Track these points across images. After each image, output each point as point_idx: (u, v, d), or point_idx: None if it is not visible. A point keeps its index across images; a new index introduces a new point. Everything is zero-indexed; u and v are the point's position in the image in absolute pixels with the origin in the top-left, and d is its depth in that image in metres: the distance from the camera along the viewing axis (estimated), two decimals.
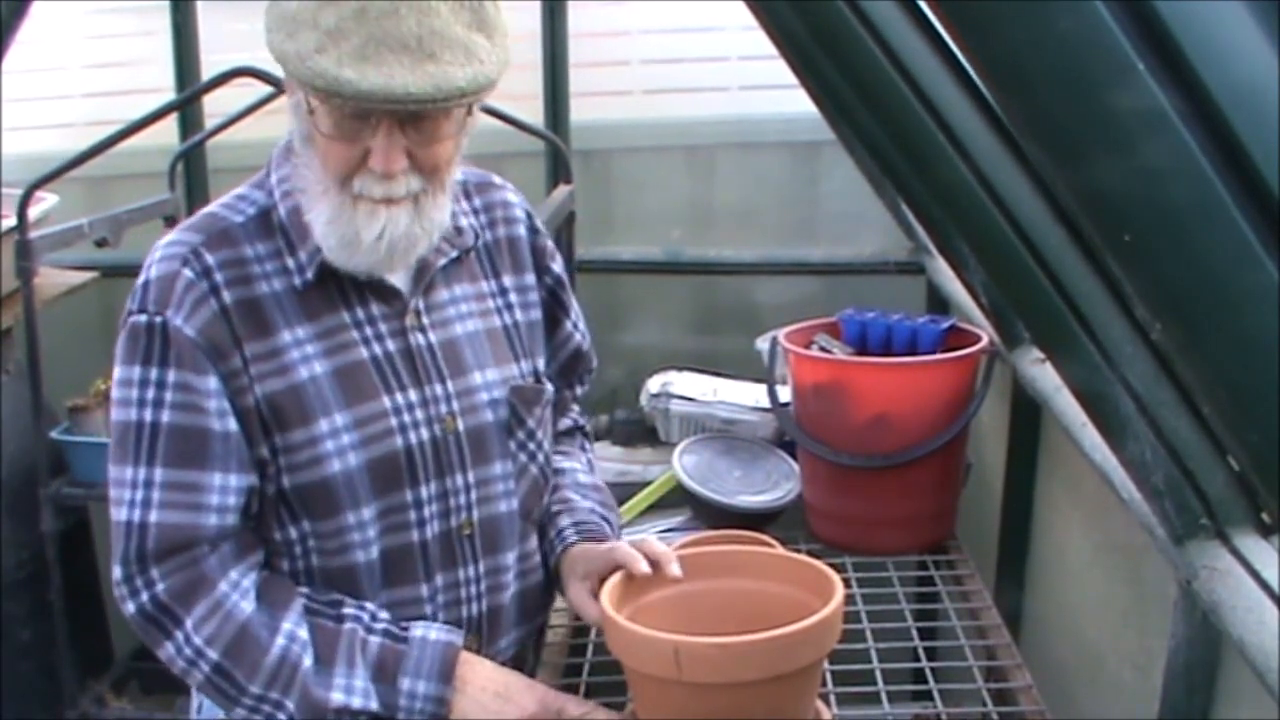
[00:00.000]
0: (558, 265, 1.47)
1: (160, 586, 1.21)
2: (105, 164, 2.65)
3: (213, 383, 1.21)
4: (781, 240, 3.14)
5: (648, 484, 2.23)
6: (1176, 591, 1.26)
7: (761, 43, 2.04)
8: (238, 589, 1.22)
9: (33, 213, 2.50)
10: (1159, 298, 0.68)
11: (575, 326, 1.50)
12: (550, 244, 1.47)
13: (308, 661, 1.21)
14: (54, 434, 2.63)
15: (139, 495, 1.21)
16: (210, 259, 1.23)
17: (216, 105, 3.01)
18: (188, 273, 1.22)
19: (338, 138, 1.16)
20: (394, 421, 1.27)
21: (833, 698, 1.46)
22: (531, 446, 1.38)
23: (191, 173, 3.17)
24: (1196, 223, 0.61)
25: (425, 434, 1.28)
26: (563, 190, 2.86)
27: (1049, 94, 0.61)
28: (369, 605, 1.27)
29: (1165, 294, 0.67)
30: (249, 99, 2.79)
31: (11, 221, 2.48)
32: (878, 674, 1.56)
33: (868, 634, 1.64)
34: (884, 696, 1.51)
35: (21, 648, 2.71)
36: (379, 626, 1.25)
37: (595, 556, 1.34)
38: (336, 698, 1.20)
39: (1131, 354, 1.04)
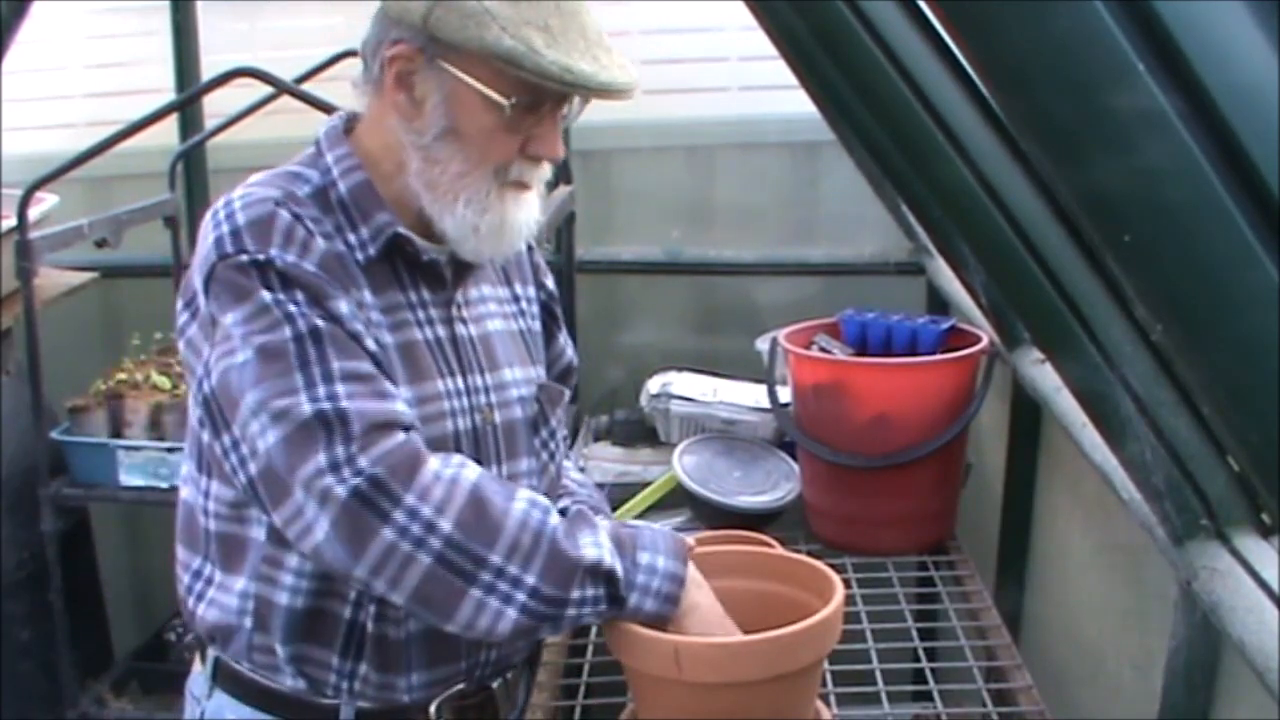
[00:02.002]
0: (551, 282, 1.52)
1: (376, 465, 1.11)
2: (105, 164, 2.66)
3: (345, 306, 1.18)
4: (781, 240, 3.14)
5: (648, 484, 2.23)
6: (1176, 591, 1.26)
7: (761, 43, 2.04)
8: (452, 464, 1.16)
9: (33, 213, 2.50)
10: (1159, 298, 0.68)
11: (567, 342, 1.55)
12: (542, 262, 1.52)
13: (554, 521, 1.17)
14: (54, 434, 2.62)
15: (324, 391, 1.13)
16: (298, 209, 1.21)
17: (216, 105, 3.02)
18: (284, 214, 1.19)
19: (506, 129, 1.21)
20: (445, 405, 1.28)
21: (833, 698, 1.46)
22: (552, 446, 1.41)
23: (191, 173, 3.17)
24: (1196, 223, 0.61)
25: (467, 422, 1.30)
26: (563, 190, 2.86)
27: (1049, 94, 0.61)
28: None
29: (1165, 294, 0.67)
30: (249, 99, 2.80)
31: (11, 222, 2.48)
32: (878, 674, 1.56)
33: (868, 634, 1.64)
34: (884, 696, 1.51)
35: (21, 648, 2.71)
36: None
37: None
38: (590, 552, 1.16)
39: (1131, 354, 1.04)
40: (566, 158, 2.94)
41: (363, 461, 1.11)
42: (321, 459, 1.11)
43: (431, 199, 1.24)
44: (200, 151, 3.15)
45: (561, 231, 2.91)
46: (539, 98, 1.20)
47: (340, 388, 1.13)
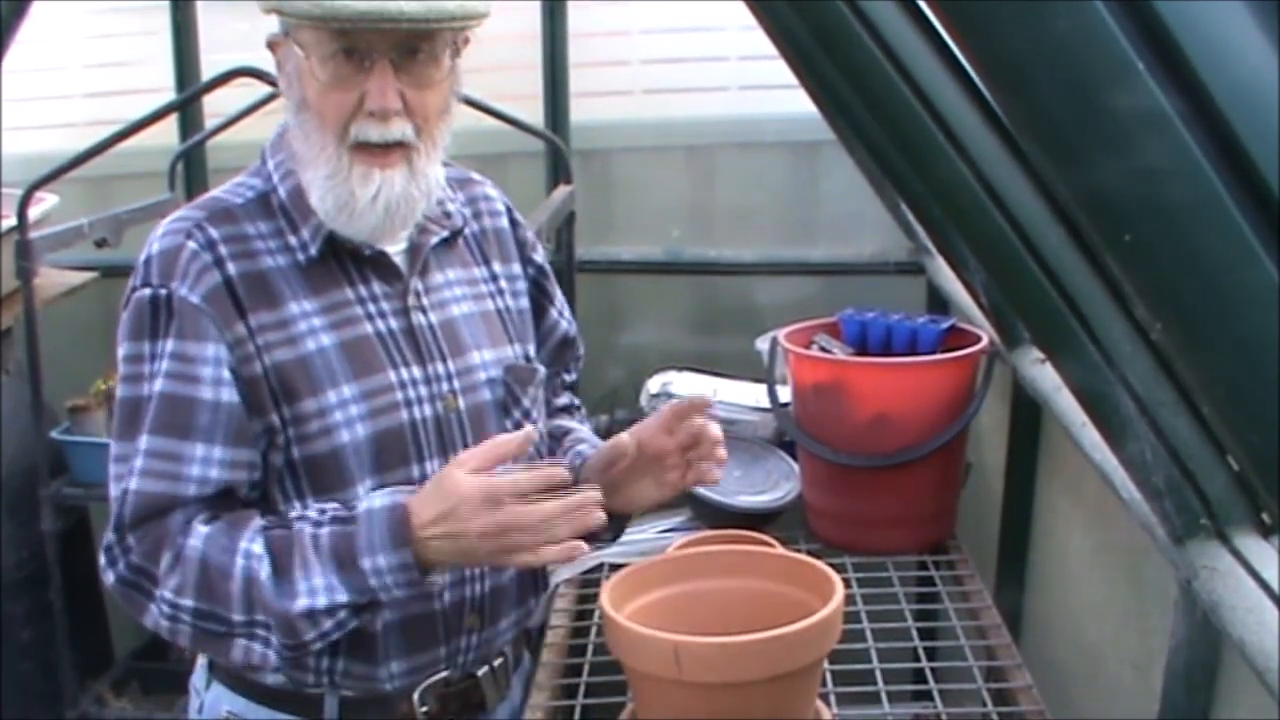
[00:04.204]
0: (540, 256, 1.51)
1: (134, 553, 1.22)
2: (105, 164, 2.66)
3: (211, 350, 1.22)
4: (781, 240, 3.14)
5: None
6: (1176, 591, 1.26)
7: (761, 43, 2.04)
8: (186, 533, 1.22)
9: (33, 213, 2.50)
10: (1159, 298, 0.68)
11: (561, 314, 1.54)
12: (531, 235, 1.51)
13: (264, 573, 1.19)
14: (54, 434, 2.63)
15: (125, 466, 1.23)
16: (214, 233, 1.25)
17: (216, 105, 3.02)
18: (192, 245, 1.24)
19: (333, 85, 1.20)
20: (399, 395, 1.28)
21: (833, 698, 1.46)
22: (527, 426, 1.39)
23: (191, 173, 3.17)
24: (1196, 223, 0.61)
25: (429, 410, 1.30)
26: (563, 190, 2.86)
27: (1049, 94, 0.61)
28: (314, 506, 1.25)
29: (1165, 294, 0.67)
30: (249, 99, 2.80)
31: (11, 221, 2.48)
32: (878, 674, 1.56)
33: (868, 634, 1.64)
34: (884, 696, 1.51)
35: (21, 648, 2.71)
36: (327, 518, 1.22)
37: (601, 450, 1.38)
38: (301, 603, 1.19)
39: (1131, 354, 1.03)
40: (567, 157, 2.96)
41: (129, 549, 1.22)
42: (104, 540, 1.25)
43: (309, 179, 1.26)
44: (200, 151, 3.15)
45: (561, 231, 2.91)
46: (354, 46, 1.19)
47: (138, 463, 1.22)
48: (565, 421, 1.54)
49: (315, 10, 1.14)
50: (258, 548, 1.20)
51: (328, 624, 1.20)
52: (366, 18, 1.14)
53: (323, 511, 1.23)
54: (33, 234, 2.48)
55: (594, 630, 1.66)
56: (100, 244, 2.73)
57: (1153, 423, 1.07)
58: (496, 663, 1.35)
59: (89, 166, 2.59)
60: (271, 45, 1.28)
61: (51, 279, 2.75)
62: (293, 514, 1.24)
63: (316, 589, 1.19)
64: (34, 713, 2.74)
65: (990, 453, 2.34)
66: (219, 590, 1.20)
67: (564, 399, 1.60)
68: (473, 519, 1.16)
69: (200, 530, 1.21)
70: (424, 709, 1.31)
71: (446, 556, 1.19)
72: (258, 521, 1.23)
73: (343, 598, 1.19)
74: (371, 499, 1.22)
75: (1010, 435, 2.16)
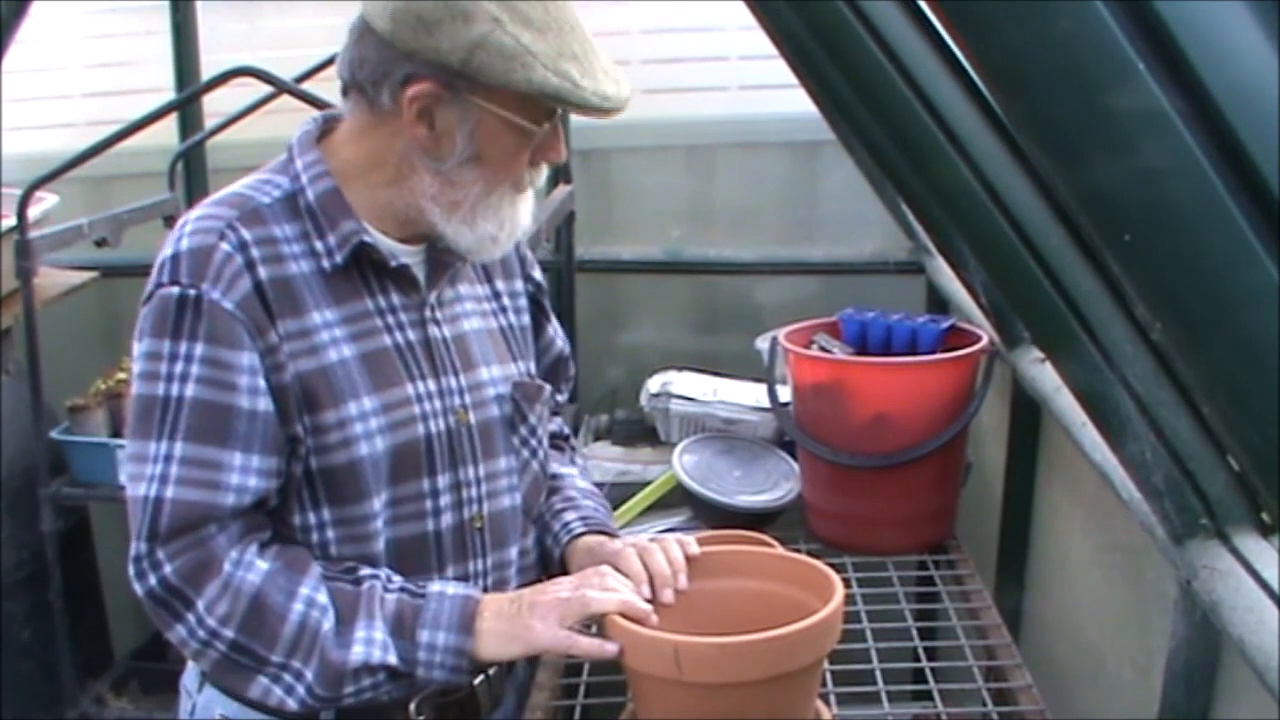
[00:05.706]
0: (538, 273, 1.53)
1: (168, 568, 1.20)
2: (105, 164, 2.66)
3: (245, 359, 1.20)
4: (781, 240, 3.14)
5: (648, 484, 2.23)
6: (1176, 591, 1.26)
7: (761, 43, 2.04)
8: (240, 565, 1.21)
9: (33, 213, 2.50)
10: (1159, 298, 0.68)
11: (556, 332, 1.56)
12: (530, 254, 1.52)
13: (327, 625, 1.20)
14: (54, 434, 2.63)
15: (157, 470, 1.20)
16: (246, 234, 1.23)
17: (216, 105, 3.02)
18: (225, 246, 1.21)
19: (526, 144, 1.25)
20: (416, 409, 1.29)
21: (833, 698, 1.46)
22: (533, 443, 1.41)
23: (191, 173, 3.17)
24: (1196, 223, 0.61)
25: (442, 424, 1.31)
26: (562, 190, 2.86)
27: (1049, 94, 0.61)
28: (384, 570, 1.27)
29: (1165, 294, 0.67)
30: (249, 99, 2.80)
31: (11, 221, 2.48)
32: (878, 674, 1.56)
33: (868, 634, 1.64)
34: (884, 696, 1.51)
35: (21, 648, 2.71)
36: (395, 585, 1.25)
37: (604, 555, 1.35)
38: (356, 653, 1.20)
39: (1131, 354, 1.04)
40: (567, 157, 2.95)
41: (161, 564, 1.20)
42: (132, 547, 1.21)
43: (447, 218, 1.27)
44: (200, 151, 3.15)
45: (561, 231, 2.91)
46: (555, 114, 1.25)
47: (174, 469, 1.19)
48: (556, 466, 1.54)
49: (606, 104, 1.19)
50: (322, 598, 1.21)
51: (366, 682, 1.22)
52: (608, 105, 1.20)
53: (390, 579, 1.26)
54: (32, 234, 2.48)
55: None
56: (100, 244, 2.73)
57: (1153, 423, 1.07)
58: (492, 672, 1.35)
59: (89, 166, 2.59)
60: (419, 95, 1.20)
61: (51, 279, 2.75)
62: (362, 572, 1.25)
63: (374, 641, 1.21)
64: (34, 713, 2.74)
65: (990, 453, 2.34)
66: (266, 628, 1.20)
67: (555, 424, 1.60)
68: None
69: (258, 565, 1.21)
70: (420, 718, 1.31)
71: (495, 644, 1.25)
72: (317, 568, 1.24)
73: (391, 659, 1.21)
74: (447, 584, 1.27)
75: (1010, 435, 2.16)
